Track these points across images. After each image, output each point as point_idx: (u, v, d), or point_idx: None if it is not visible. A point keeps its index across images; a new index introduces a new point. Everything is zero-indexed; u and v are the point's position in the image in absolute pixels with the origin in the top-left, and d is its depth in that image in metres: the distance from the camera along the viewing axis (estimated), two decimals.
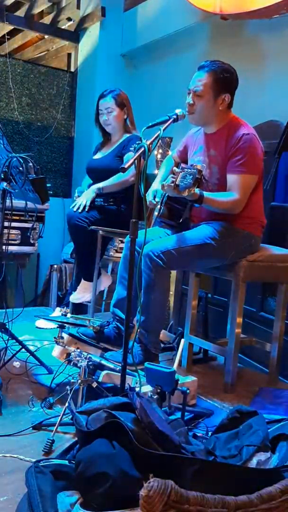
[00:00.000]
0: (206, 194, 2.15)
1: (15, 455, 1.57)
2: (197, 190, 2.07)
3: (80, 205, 2.98)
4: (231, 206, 2.22)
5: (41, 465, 1.37)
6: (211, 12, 3.45)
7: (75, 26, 5.14)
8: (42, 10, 5.57)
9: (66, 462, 1.45)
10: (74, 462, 1.36)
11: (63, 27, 5.29)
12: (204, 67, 2.24)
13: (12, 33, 5.52)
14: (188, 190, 1.94)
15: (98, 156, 3.25)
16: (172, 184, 2.00)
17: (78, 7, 5.03)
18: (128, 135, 3.14)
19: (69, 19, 5.15)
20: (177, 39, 4.26)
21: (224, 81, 2.23)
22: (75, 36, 5.20)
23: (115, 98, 3.10)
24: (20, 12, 5.28)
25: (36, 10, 5.20)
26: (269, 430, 1.55)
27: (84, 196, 3.02)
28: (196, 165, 1.97)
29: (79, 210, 2.97)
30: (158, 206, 2.43)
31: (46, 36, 5.60)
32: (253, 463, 1.38)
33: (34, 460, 1.47)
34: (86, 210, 2.97)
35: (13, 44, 5.70)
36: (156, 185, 2.49)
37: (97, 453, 1.26)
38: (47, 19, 5.43)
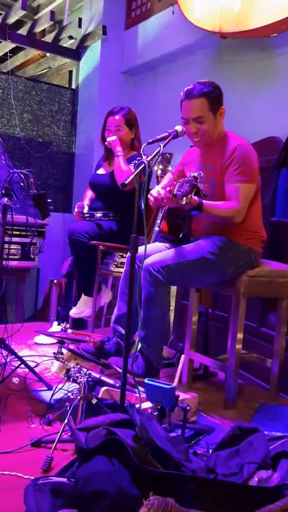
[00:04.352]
0: (205, 202, 2.16)
1: (13, 472, 1.55)
2: (196, 198, 2.09)
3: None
4: (231, 214, 2.23)
5: (40, 482, 1.36)
6: (211, 31, 3.49)
7: (76, 44, 5.21)
8: (44, 29, 5.64)
9: (65, 479, 1.43)
10: (73, 479, 1.34)
11: (64, 45, 5.36)
12: (192, 93, 2.25)
13: (14, 51, 5.59)
14: (186, 198, 1.95)
15: (101, 171, 3.25)
16: (170, 195, 2.01)
17: (80, 25, 5.11)
18: (135, 153, 3.15)
19: (70, 37, 5.22)
20: (177, 57, 4.31)
21: (217, 98, 2.28)
22: (76, 54, 5.27)
23: (125, 117, 3.11)
24: (23, 31, 5.35)
25: (38, 29, 5.28)
26: (270, 448, 1.53)
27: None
28: (192, 173, 1.99)
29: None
30: (158, 221, 2.44)
31: (48, 54, 5.68)
32: (254, 481, 1.37)
33: (32, 477, 1.45)
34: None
35: (15, 62, 5.77)
36: (158, 188, 2.50)
37: (96, 470, 1.25)
38: (49, 37, 5.50)
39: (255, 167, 2.28)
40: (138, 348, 2.16)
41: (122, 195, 2.87)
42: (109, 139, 3.11)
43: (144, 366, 2.26)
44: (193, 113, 2.26)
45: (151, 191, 2.43)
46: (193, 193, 1.96)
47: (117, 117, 3.10)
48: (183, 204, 2.00)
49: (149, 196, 2.41)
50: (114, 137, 3.09)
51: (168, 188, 2.09)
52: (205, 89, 2.25)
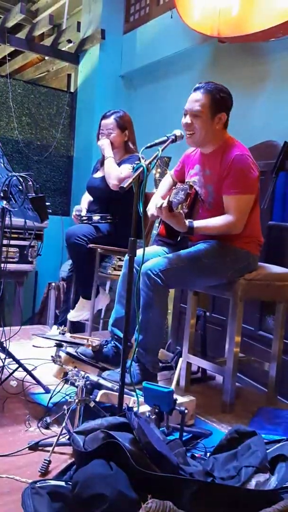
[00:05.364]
0: (196, 223, 2.19)
1: (11, 476, 1.55)
2: (187, 222, 2.12)
3: None
4: (227, 228, 2.25)
5: (38, 486, 1.36)
6: (209, 35, 3.51)
7: (75, 48, 5.23)
8: (43, 32, 5.66)
9: (63, 483, 1.43)
10: (71, 483, 1.34)
11: (63, 49, 5.38)
12: (200, 88, 2.29)
13: (13, 54, 5.61)
14: (181, 206, 1.97)
15: (98, 175, 3.27)
16: (166, 205, 2.04)
17: (78, 29, 5.13)
18: (129, 155, 3.16)
19: (69, 41, 5.24)
20: (175, 61, 4.33)
21: (220, 101, 2.27)
22: (75, 57, 5.29)
23: (117, 120, 3.12)
24: (22, 34, 5.38)
25: (37, 32, 5.30)
26: (268, 451, 1.54)
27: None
28: (188, 181, 2.01)
29: None
30: (156, 225, 2.45)
31: (46, 58, 5.70)
32: (251, 485, 1.37)
33: (30, 481, 1.45)
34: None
35: (14, 65, 5.79)
36: (156, 199, 2.51)
37: (94, 474, 1.25)
38: (47, 41, 5.52)
39: (253, 178, 2.27)
40: (133, 357, 2.16)
41: (118, 198, 2.88)
42: (99, 143, 3.15)
43: (140, 374, 2.26)
44: (192, 104, 2.28)
45: (150, 205, 2.45)
46: (188, 202, 1.99)
47: (109, 120, 3.14)
48: (177, 213, 2.02)
49: (147, 209, 2.43)
50: (103, 141, 3.12)
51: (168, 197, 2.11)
52: (213, 89, 2.26)
